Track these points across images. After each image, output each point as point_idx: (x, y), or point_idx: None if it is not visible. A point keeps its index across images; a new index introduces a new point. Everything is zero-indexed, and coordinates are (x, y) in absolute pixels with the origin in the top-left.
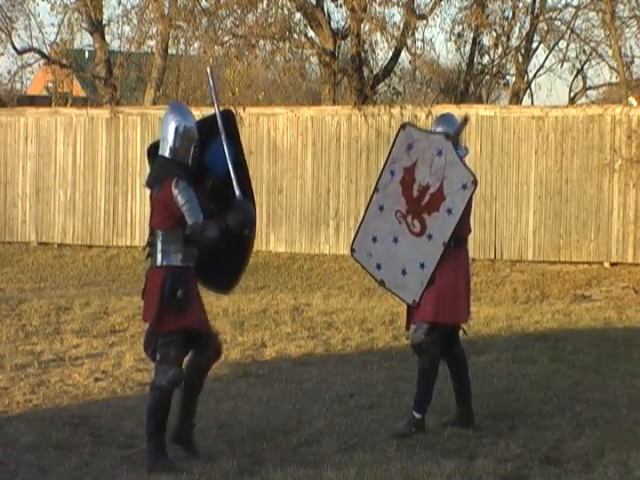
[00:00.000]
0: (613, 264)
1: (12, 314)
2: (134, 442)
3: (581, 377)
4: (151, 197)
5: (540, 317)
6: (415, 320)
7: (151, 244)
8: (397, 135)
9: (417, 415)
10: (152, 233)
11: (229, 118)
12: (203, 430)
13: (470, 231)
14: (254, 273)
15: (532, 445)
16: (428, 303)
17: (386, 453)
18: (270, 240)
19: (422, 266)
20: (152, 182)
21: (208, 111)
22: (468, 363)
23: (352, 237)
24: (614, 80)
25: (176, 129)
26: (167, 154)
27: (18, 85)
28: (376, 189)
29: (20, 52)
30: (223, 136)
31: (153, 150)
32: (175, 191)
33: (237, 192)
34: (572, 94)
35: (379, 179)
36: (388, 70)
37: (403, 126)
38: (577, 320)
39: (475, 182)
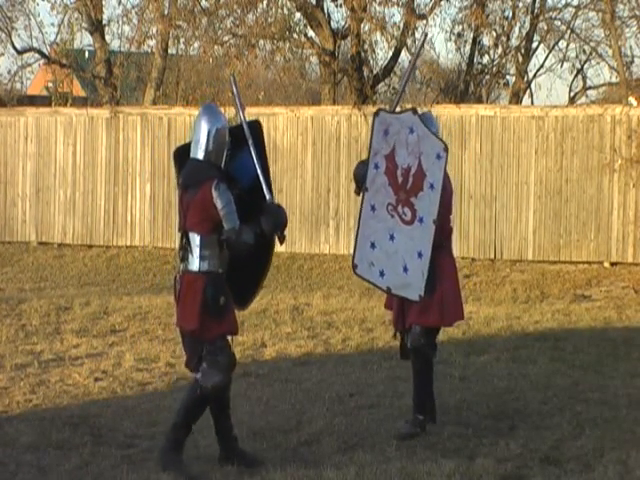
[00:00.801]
0: (613, 264)
1: (12, 314)
2: (134, 442)
3: (581, 377)
4: (181, 199)
5: (540, 317)
6: (415, 322)
7: (184, 248)
8: (373, 123)
9: (420, 416)
10: (186, 237)
11: (257, 129)
12: (203, 430)
13: (451, 230)
14: None
15: (532, 445)
16: (433, 307)
17: (386, 453)
18: None
19: (420, 255)
20: (188, 183)
21: None
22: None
23: (352, 239)
24: (614, 80)
25: (209, 131)
26: (200, 156)
27: (18, 85)
28: (365, 188)
29: (20, 52)
30: (250, 142)
31: (180, 153)
32: (215, 193)
33: (267, 195)
34: (572, 94)
35: (366, 177)
36: (388, 70)
37: (377, 112)
38: (577, 320)
39: (446, 149)
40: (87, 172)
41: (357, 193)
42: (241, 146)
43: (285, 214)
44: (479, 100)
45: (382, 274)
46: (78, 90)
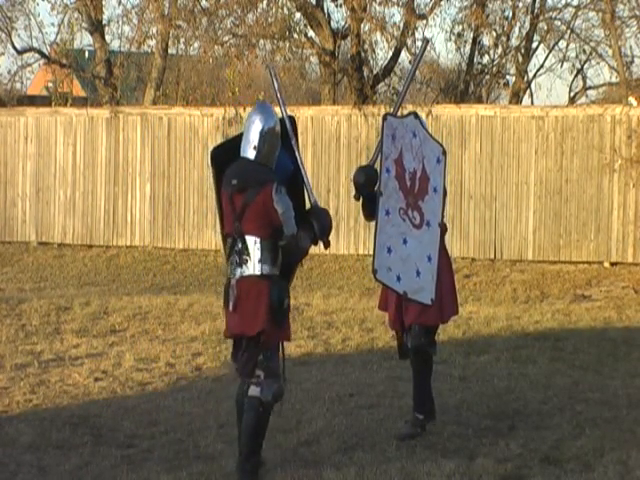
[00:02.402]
0: (613, 264)
1: (12, 314)
2: (134, 442)
3: (581, 377)
4: (232, 200)
5: (540, 317)
6: (414, 322)
7: (240, 252)
8: (382, 128)
9: (420, 416)
10: (242, 241)
11: (293, 124)
12: (203, 430)
13: (446, 229)
14: None
15: (532, 445)
16: (432, 306)
17: (386, 453)
18: None
19: (429, 259)
20: (246, 185)
21: (209, 111)
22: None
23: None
24: (614, 80)
25: (262, 130)
26: (251, 156)
27: (18, 85)
28: (380, 193)
29: (20, 52)
30: (293, 141)
31: (219, 153)
32: (276, 197)
33: (312, 198)
34: (572, 94)
35: (379, 182)
36: (388, 70)
37: (384, 117)
38: (577, 320)
39: (444, 152)
40: (87, 172)
41: (357, 199)
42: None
43: (331, 218)
44: (479, 100)
45: (399, 279)
46: (78, 90)
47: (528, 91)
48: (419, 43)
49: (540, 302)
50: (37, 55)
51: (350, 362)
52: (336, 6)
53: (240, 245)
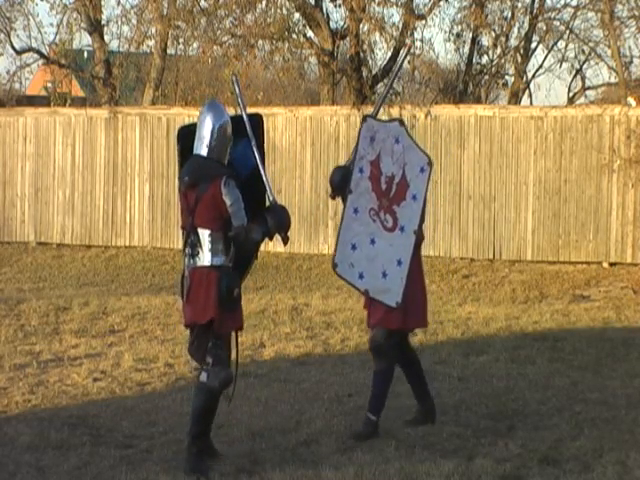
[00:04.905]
0: (612, 264)
1: (11, 314)
2: (133, 442)
3: (580, 377)
4: (186, 196)
5: (539, 317)
6: (376, 323)
7: (192, 244)
8: (360, 129)
9: (372, 417)
10: (194, 233)
11: (259, 123)
12: None
13: (423, 238)
14: (253, 273)
15: (531, 445)
16: (396, 311)
17: (385, 453)
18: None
19: (399, 263)
20: (195, 180)
21: None
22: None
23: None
24: (613, 80)
25: (213, 128)
26: (204, 152)
27: (17, 85)
28: (349, 191)
29: (19, 52)
30: (253, 143)
31: (184, 133)
32: (224, 190)
33: (271, 196)
34: (571, 94)
35: (350, 180)
36: (387, 70)
37: (364, 118)
38: (576, 320)
39: (431, 163)
40: (86, 172)
41: (332, 197)
42: (241, 136)
43: (289, 216)
44: (478, 100)
45: (361, 276)
46: (77, 90)
47: (527, 91)
48: (418, 43)
49: (539, 302)
50: (36, 55)
51: (349, 362)
52: (335, 6)
53: (193, 237)
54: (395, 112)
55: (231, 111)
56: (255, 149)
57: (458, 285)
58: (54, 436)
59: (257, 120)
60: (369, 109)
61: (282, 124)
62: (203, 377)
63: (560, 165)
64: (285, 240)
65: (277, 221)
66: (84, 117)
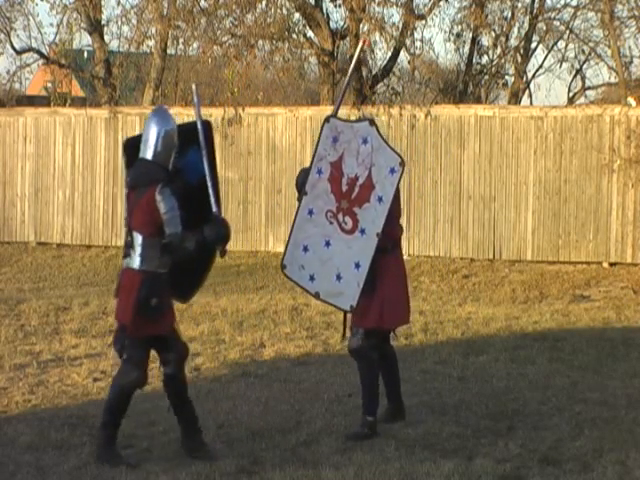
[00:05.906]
0: (612, 264)
1: (11, 314)
2: (132, 442)
3: (580, 377)
4: (128, 197)
5: (539, 317)
6: (355, 325)
7: (128, 245)
8: (321, 129)
9: (370, 418)
10: (130, 235)
11: (208, 129)
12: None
13: (402, 231)
14: (253, 273)
15: (531, 445)
16: (372, 309)
17: (385, 453)
18: (269, 240)
19: (357, 266)
20: (136, 184)
21: (208, 111)
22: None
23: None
24: (613, 80)
25: (158, 133)
26: (149, 157)
27: (17, 85)
28: (304, 192)
29: (19, 52)
30: (204, 152)
31: (130, 144)
32: (159, 197)
33: (214, 208)
34: (571, 94)
35: (306, 181)
36: (387, 70)
37: (327, 119)
38: (576, 320)
39: (403, 163)
40: (86, 172)
41: (299, 200)
42: (193, 143)
43: (229, 229)
44: (478, 100)
45: (312, 278)
46: (77, 90)
47: (527, 91)
48: (418, 43)
49: (539, 302)
50: (36, 55)
51: (349, 362)
52: (335, 6)
53: (130, 238)
54: (395, 112)
55: (231, 111)
56: (204, 157)
57: (458, 285)
58: (54, 436)
59: (206, 127)
60: (369, 109)
61: (282, 124)
62: (116, 372)
63: (560, 165)
64: (222, 253)
65: (214, 233)
66: (84, 117)
